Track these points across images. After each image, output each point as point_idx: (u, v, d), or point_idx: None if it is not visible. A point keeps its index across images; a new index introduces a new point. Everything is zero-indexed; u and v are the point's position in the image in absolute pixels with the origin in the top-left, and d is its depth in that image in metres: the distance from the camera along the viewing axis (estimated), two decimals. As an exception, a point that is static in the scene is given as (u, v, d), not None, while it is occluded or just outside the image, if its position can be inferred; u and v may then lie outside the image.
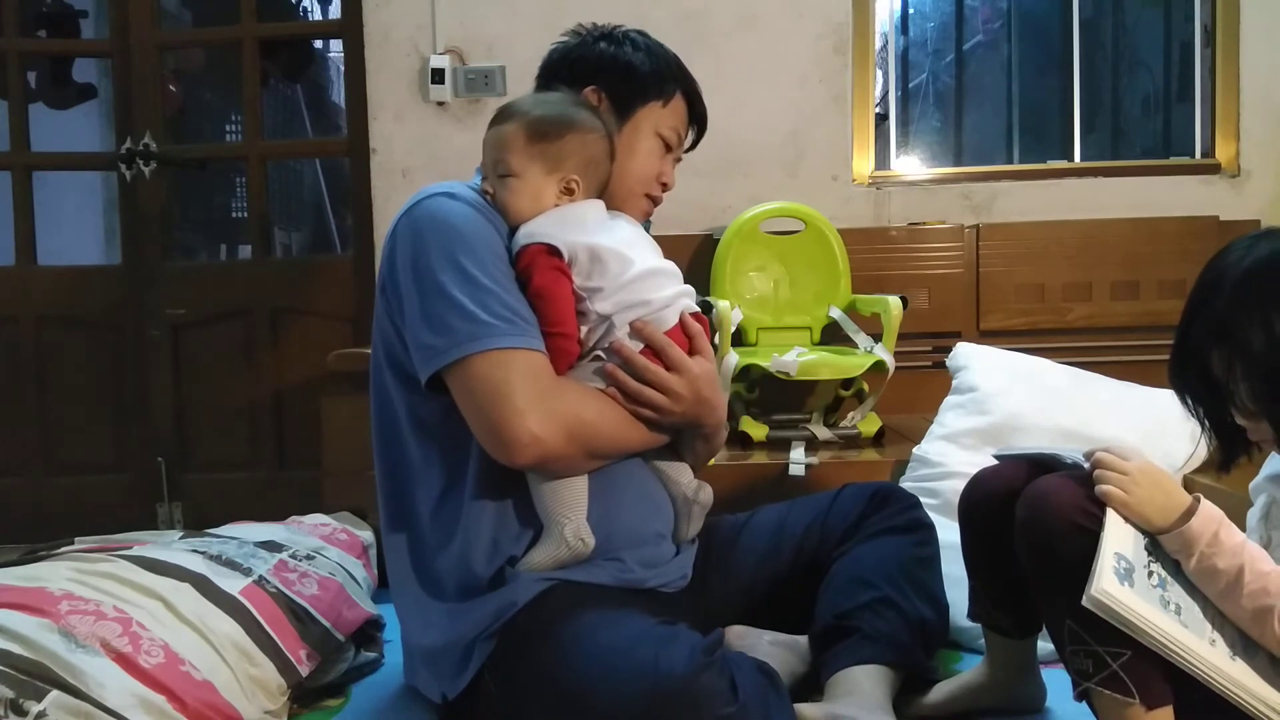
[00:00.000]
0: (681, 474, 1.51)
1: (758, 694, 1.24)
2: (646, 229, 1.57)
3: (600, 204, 1.48)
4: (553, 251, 1.38)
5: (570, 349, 1.39)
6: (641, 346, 1.41)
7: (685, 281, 1.51)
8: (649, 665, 1.20)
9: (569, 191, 1.44)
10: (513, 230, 1.42)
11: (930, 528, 1.62)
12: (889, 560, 1.53)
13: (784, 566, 1.61)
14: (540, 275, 1.37)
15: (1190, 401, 1.25)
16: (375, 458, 1.51)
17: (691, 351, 1.45)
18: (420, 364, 1.37)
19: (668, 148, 1.57)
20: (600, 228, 1.44)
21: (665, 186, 1.58)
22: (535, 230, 1.40)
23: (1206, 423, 1.26)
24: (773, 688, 1.28)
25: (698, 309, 1.50)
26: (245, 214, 5.54)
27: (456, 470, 1.42)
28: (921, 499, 1.69)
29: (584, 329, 1.40)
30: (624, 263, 1.41)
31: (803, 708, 1.35)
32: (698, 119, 1.62)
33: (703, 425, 1.49)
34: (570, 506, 1.37)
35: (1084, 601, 1.11)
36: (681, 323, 1.46)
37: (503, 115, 1.46)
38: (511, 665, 1.32)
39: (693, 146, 1.65)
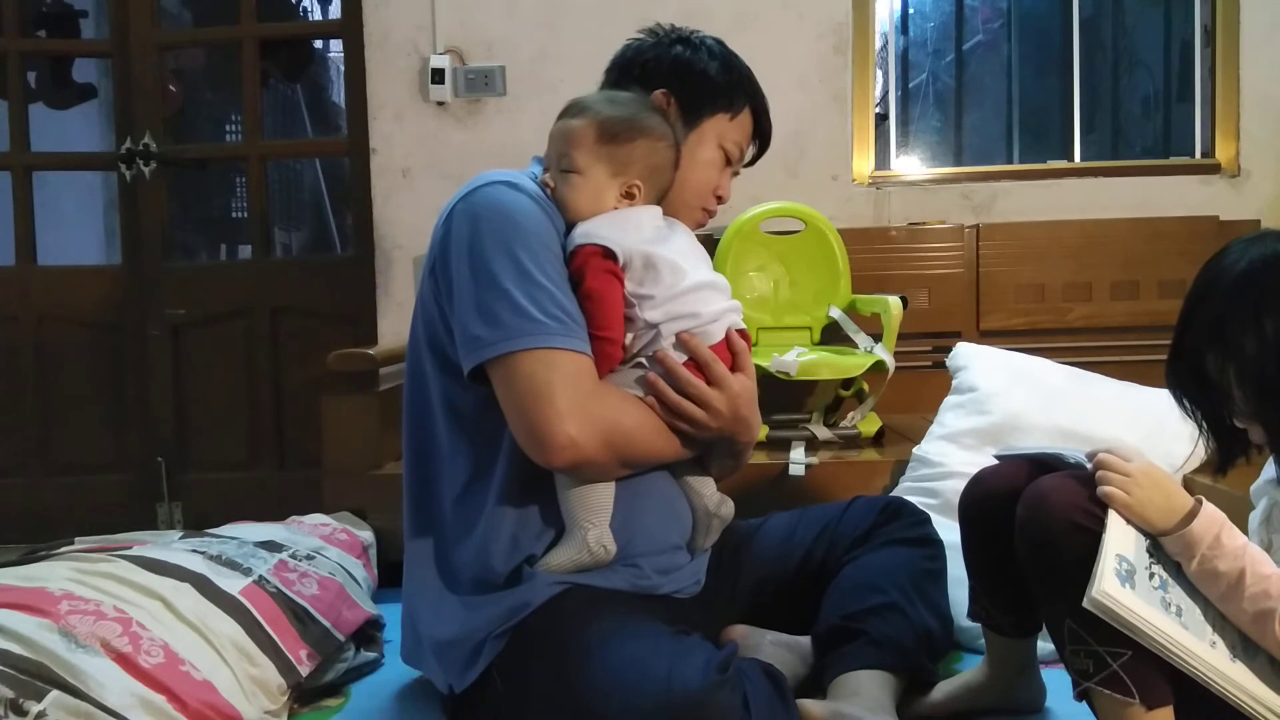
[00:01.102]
0: (705, 486, 1.50)
1: (769, 710, 1.24)
2: None
3: (658, 211, 1.46)
4: (608, 254, 1.37)
5: (614, 354, 1.38)
6: (685, 359, 1.41)
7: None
8: (662, 681, 1.19)
9: (630, 196, 1.42)
10: (569, 226, 1.41)
11: (939, 544, 1.62)
12: (898, 569, 1.54)
13: (791, 570, 1.61)
14: (593, 277, 1.36)
15: (1187, 403, 1.25)
16: (404, 439, 1.51)
17: (734, 369, 1.44)
18: (465, 353, 1.35)
19: (728, 161, 1.56)
20: (657, 235, 1.43)
21: (720, 199, 1.56)
22: (593, 231, 1.38)
23: (1204, 424, 1.26)
24: (780, 697, 1.28)
25: (744, 326, 1.49)
26: (245, 214, 5.54)
27: (484, 463, 1.41)
28: (921, 499, 1.69)
29: (629, 335, 1.39)
30: (678, 273, 1.40)
31: (808, 704, 1.35)
32: (761, 135, 1.60)
33: (736, 443, 1.48)
34: (596, 512, 1.37)
35: (1085, 603, 1.11)
36: (727, 339, 1.45)
37: (574, 110, 1.44)
38: (521, 666, 1.32)
39: (752, 162, 1.63)
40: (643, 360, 1.41)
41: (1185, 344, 1.21)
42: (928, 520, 1.65)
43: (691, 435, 1.42)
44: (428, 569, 1.45)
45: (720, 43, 1.58)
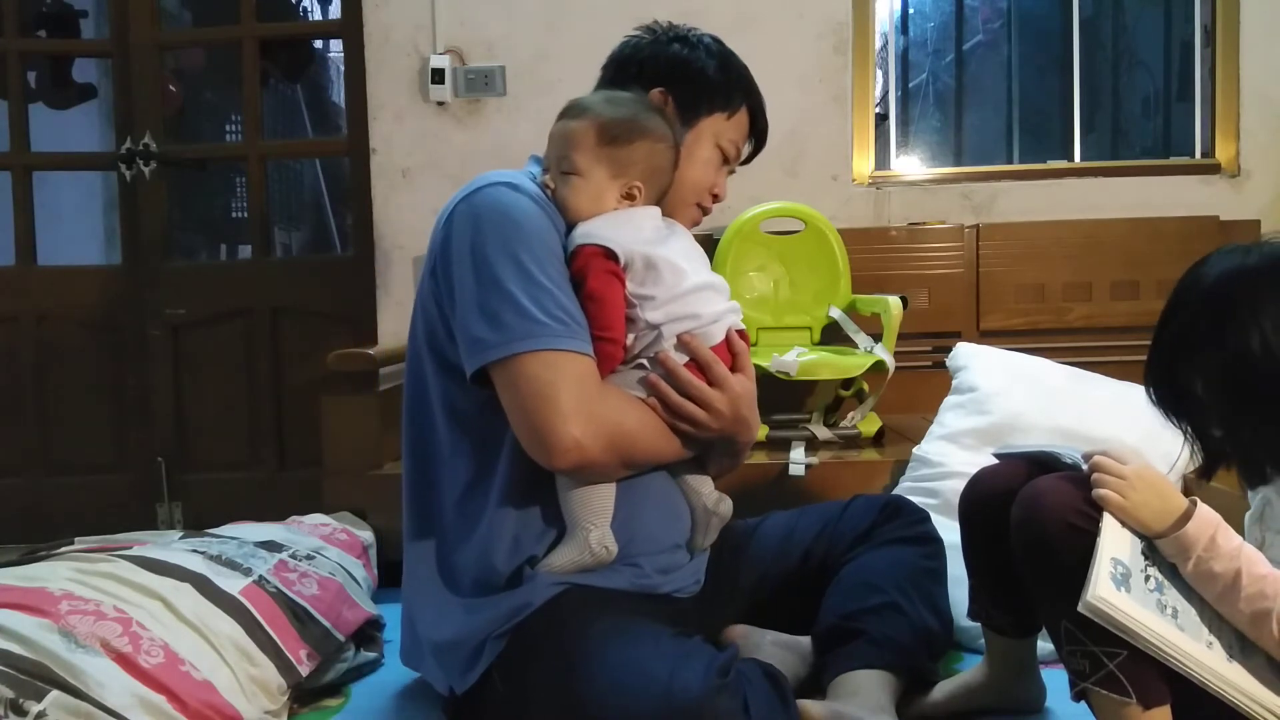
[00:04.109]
0: (703, 485, 1.50)
1: (769, 714, 1.23)
2: None
3: (657, 211, 1.47)
4: (609, 255, 1.37)
5: (616, 354, 1.38)
6: (686, 359, 1.41)
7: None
8: (663, 684, 1.19)
9: (630, 197, 1.42)
10: (569, 227, 1.41)
11: (939, 542, 1.62)
12: (898, 568, 1.54)
13: (791, 570, 1.62)
14: (595, 278, 1.36)
15: (1166, 411, 1.25)
16: (403, 440, 1.50)
17: (734, 369, 1.44)
18: (468, 355, 1.35)
19: (725, 160, 1.56)
20: (657, 236, 1.43)
21: (716, 198, 1.57)
22: (593, 231, 1.38)
23: (1187, 430, 1.26)
24: (781, 700, 1.28)
25: (743, 327, 1.50)
26: (245, 214, 5.54)
27: (486, 464, 1.41)
28: (921, 499, 1.69)
29: (631, 336, 1.39)
30: (678, 274, 1.40)
31: (807, 704, 1.35)
32: (758, 134, 1.60)
33: (736, 442, 1.48)
34: (597, 513, 1.37)
35: (1080, 607, 1.11)
36: (728, 340, 1.45)
37: (574, 111, 1.43)
38: (522, 667, 1.32)
39: (748, 160, 1.63)
40: (644, 361, 1.41)
41: (1160, 352, 1.22)
42: (927, 519, 1.65)
43: (693, 436, 1.42)
44: (428, 570, 1.45)
45: (718, 41, 1.58)
